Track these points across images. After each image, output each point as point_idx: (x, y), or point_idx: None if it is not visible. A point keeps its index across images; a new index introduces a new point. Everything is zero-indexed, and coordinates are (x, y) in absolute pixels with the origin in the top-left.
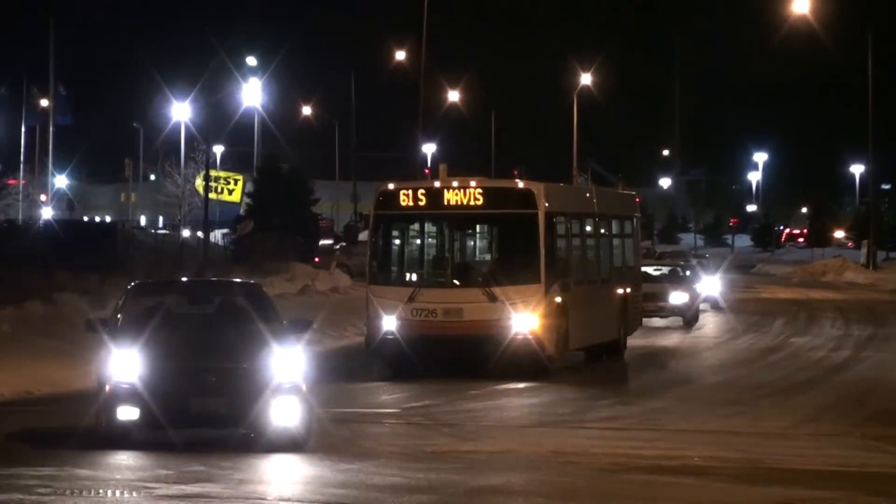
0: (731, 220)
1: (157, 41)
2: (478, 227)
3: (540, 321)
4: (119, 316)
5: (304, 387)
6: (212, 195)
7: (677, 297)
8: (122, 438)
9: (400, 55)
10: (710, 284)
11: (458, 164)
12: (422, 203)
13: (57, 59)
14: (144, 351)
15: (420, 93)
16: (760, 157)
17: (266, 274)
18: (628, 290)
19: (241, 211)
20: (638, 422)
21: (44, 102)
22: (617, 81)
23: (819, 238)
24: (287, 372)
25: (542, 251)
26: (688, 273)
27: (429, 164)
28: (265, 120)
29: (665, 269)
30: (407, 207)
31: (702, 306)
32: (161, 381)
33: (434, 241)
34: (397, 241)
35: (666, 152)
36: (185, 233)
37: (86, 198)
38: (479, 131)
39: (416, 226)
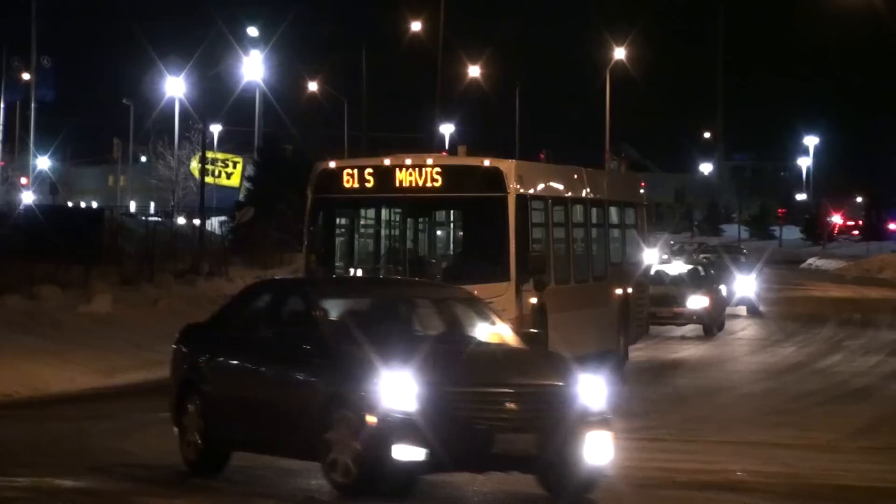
0: (779, 210)
1: (149, 9)
2: (436, 214)
3: (510, 325)
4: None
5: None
6: (208, 179)
7: (696, 301)
8: (404, 485)
9: (416, 26)
10: (746, 284)
11: (478, 145)
12: (369, 185)
13: (39, 28)
14: (419, 373)
15: (437, 68)
16: (811, 141)
17: (267, 266)
18: (629, 290)
19: (241, 196)
20: (673, 432)
21: (25, 76)
22: (654, 56)
23: (875, 231)
24: (596, 398)
25: (513, 242)
26: (711, 272)
27: (447, 146)
28: (267, 96)
29: (683, 269)
30: (351, 190)
31: (737, 310)
32: (452, 410)
33: (384, 230)
34: (340, 231)
35: (707, 135)
36: (180, 220)
37: (70, 181)
38: (502, 111)
39: (363, 212)
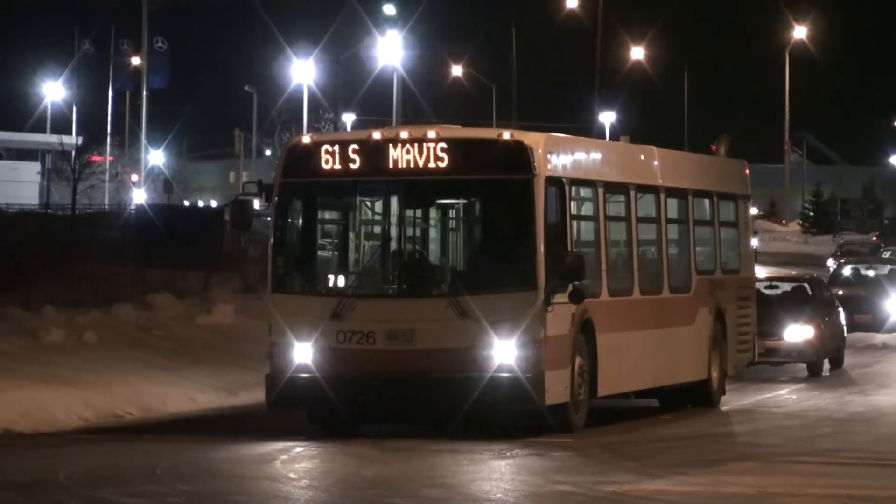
0: None
1: None
2: (440, 203)
3: (536, 349)
4: None
5: None
6: None
7: (796, 332)
8: None
9: (572, 3)
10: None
11: (642, 135)
12: (354, 165)
13: (151, 8)
14: None
15: (596, 50)
16: None
17: None
18: (726, 306)
19: None
20: (865, 455)
21: (135, 61)
22: (837, 35)
23: None
24: None
25: (540, 238)
26: (821, 291)
27: (607, 137)
28: (406, 82)
29: (786, 286)
30: (330, 172)
31: (889, 338)
32: None
33: (372, 224)
34: (315, 226)
35: None
36: None
37: (186, 178)
38: (668, 97)
39: (345, 200)
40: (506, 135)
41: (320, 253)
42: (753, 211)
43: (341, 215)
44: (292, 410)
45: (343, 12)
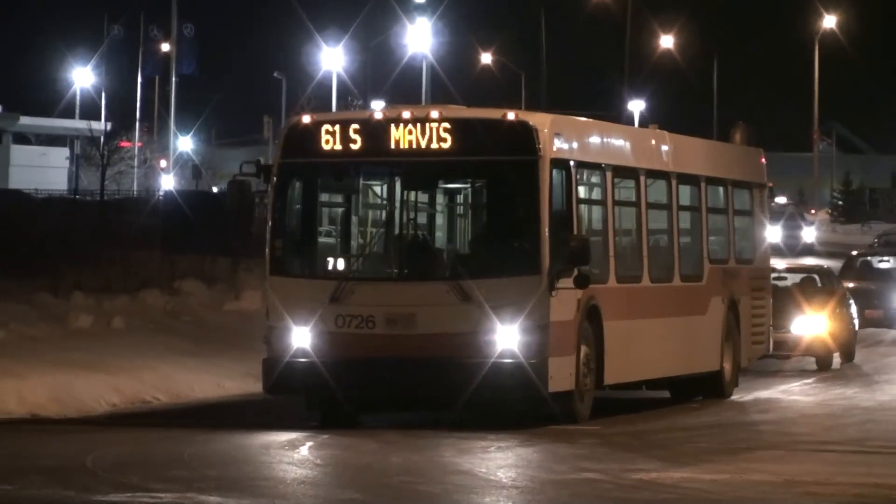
0: None
1: None
2: (442, 184)
3: (539, 335)
4: None
5: None
6: None
7: (804, 325)
8: None
9: None
10: None
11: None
12: (354, 146)
13: None
14: None
15: (626, 37)
16: None
17: None
18: (740, 296)
19: None
20: (893, 445)
21: (165, 47)
22: (869, 23)
23: None
24: None
25: (545, 221)
26: (833, 284)
27: (636, 124)
28: (435, 69)
29: (796, 278)
30: (329, 153)
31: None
32: None
33: (372, 206)
34: (313, 207)
35: None
36: None
37: (215, 164)
38: (697, 85)
39: (345, 182)
40: (510, 115)
41: (319, 235)
42: (782, 200)
43: (341, 197)
44: (290, 396)
45: (372, 0)
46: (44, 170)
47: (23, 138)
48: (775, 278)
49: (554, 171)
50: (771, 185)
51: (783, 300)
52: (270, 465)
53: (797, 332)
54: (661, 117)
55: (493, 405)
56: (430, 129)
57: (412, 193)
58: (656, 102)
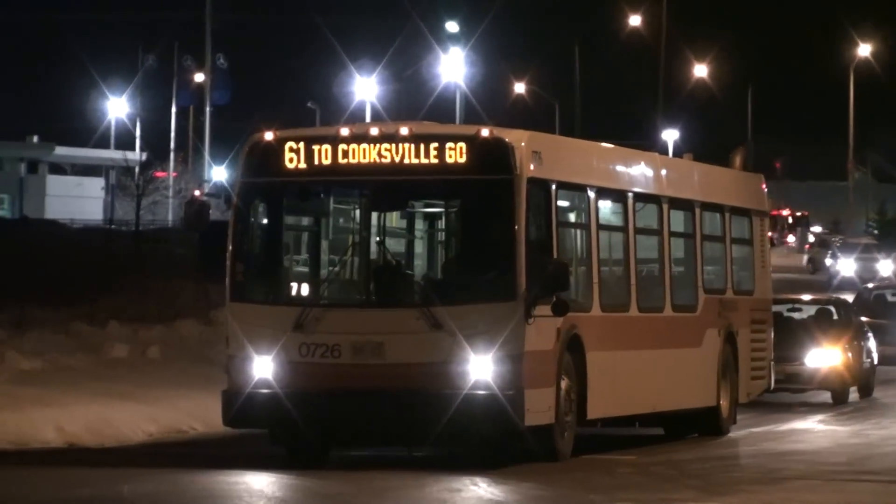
0: None
1: (335, 1)
2: (412, 205)
3: (515, 365)
4: None
5: None
6: None
7: (819, 358)
8: None
9: (635, 20)
10: None
11: (705, 153)
12: (319, 163)
13: (215, 23)
14: None
15: (660, 66)
16: None
17: None
18: (738, 328)
19: None
20: None
21: (198, 77)
22: None
23: None
24: None
25: (521, 245)
26: (850, 316)
27: (670, 154)
28: (469, 99)
29: (810, 309)
30: (294, 172)
31: None
32: None
33: (338, 229)
34: (276, 229)
35: None
36: None
37: None
38: (732, 114)
39: (309, 203)
40: (484, 132)
41: (282, 259)
42: (817, 229)
43: (305, 218)
44: (251, 429)
45: (405, 30)
46: (79, 200)
47: (58, 168)
48: (790, 309)
49: (531, 192)
50: (807, 213)
51: (798, 332)
52: (325, 498)
53: (811, 364)
54: (696, 145)
55: (466, 439)
56: (400, 146)
57: (381, 215)
58: (691, 130)
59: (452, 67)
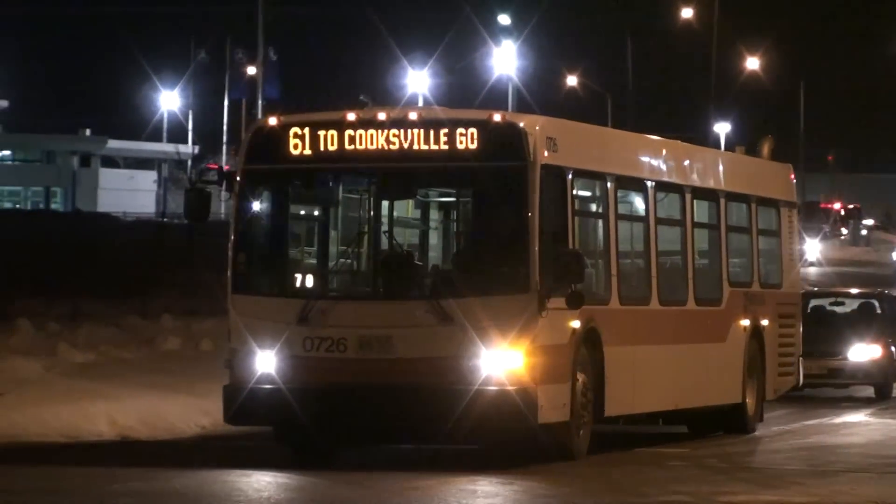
0: None
1: None
2: (422, 194)
3: (528, 360)
4: None
5: None
6: None
7: (862, 352)
8: None
9: (687, 13)
10: None
11: (757, 146)
12: (325, 150)
13: (266, 17)
14: None
15: (712, 60)
16: None
17: None
18: (765, 323)
19: None
20: None
21: (251, 70)
22: None
23: None
24: None
25: (534, 235)
26: (894, 309)
27: (722, 147)
28: (521, 92)
29: (853, 303)
30: (298, 158)
31: None
32: None
33: (345, 218)
34: (280, 218)
35: None
36: None
37: None
38: (785, 108)
39: (314, 191)
40: (496, 116)
41: (286, 250)
42: (868, 222)
43: (311, 207)
44: (254, 426)
45: (458, 22)
46: (132, 193)
47: (111, 161)
48: (832, 303)
49: (546, 179)
50: (859, 206)
51: (840, 326)
52: (366, 488)
53: (854, 359)
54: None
55: (476, 437)
56: (409, 132)
57: (388, 203)
58: (743, 124)
59: (504, 60)
